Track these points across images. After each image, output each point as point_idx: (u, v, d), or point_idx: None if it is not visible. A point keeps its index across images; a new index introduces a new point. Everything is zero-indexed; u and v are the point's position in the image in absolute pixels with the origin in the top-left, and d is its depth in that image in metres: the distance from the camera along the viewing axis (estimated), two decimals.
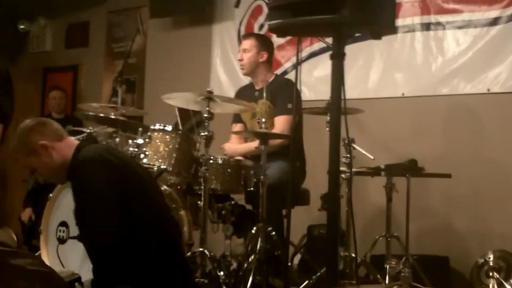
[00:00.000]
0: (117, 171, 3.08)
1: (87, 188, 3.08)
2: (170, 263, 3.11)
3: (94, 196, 3.03)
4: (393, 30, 3.31)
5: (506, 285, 5.37)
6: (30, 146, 3.30)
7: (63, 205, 4.98)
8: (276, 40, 6.67)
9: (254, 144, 5.30)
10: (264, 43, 5.65)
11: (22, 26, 9.60)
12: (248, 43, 5.60)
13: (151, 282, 3.00)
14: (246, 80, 6.42)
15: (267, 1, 5.05)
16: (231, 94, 6.75)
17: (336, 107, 3.28)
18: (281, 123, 5.31)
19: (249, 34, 6.42)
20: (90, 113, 5.63)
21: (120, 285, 2.98)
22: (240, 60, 5.62)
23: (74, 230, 4.65)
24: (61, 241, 4.72)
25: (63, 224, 4.88)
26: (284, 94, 5.29)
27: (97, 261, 3.09)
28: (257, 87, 5.57)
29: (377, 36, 3.31)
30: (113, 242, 2.96)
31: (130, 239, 2.96)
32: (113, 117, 5.40)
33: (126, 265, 2.97)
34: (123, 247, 2.95)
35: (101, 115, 5.48)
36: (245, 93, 5.63)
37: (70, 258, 4.67)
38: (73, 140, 3.36)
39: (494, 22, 5.75)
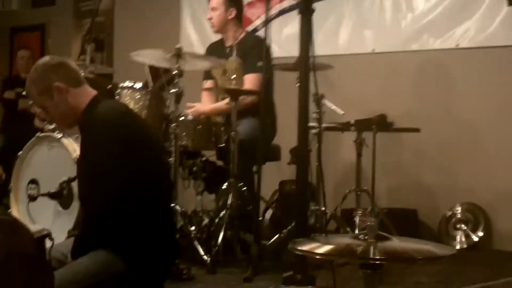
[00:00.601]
0: (130, 137, 3.03)
1: (97, 146, 3.02)
2: (157, 229, 3.10)
3: (102, 157, 2.97)
4: None
5: (473, 236, 5.47)
6: (46, 84, 3.23)
7: (33, 163, 4.97)
8: None
9: (223, 103, 5.29)
10: (232, 0, 5.62)
11: None
12: (215, 1, 5.56)
13: (134, 246, 3.00)
14: (216, 38, 6.39)
15: None
16: (201, 51, 6.71)
17: (304, 62, 3.30)
18: (251, 81, 5.29)
19: None
20: None
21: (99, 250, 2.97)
22: (210, 19, 5.59)
23: (45, 188, 4.66)
24: (32, 198, 4.72)
25: (33, 181, 4.87)
26: (254, 52, 5.27)
27: (88, 223, 3.07)
28: (227, 44, 5.55)
29: None
30: (109, 207, 2.94)
31: (126, 209, 2.95)
32: (82, 74, 5.35)
33: (114, 231, 2.96)
34: (117, 214, 2.94)
35: None
36: (216, 50, 5.60)
37: (41, 215, 4.68)
38: (90, 89, 3.28)
39: None
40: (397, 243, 2.17)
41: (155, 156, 3.21)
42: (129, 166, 2.93)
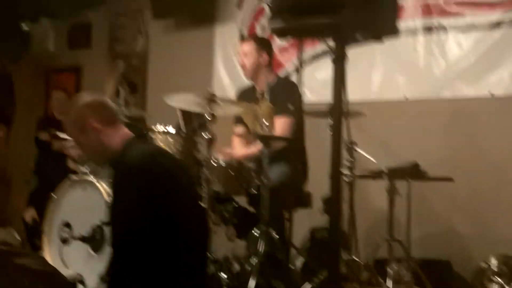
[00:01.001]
0: (159, 184, 3.04)
1: (126, 192, 3.04)
2: (188, 277, 3.09)
3: (130, 204, 2.99)
4: (395, 32, 3.30)
5: None
6: (82, 122, 3.28)
7: (66, 206, 5.00)
8: (279, 43, 6.69)
9: (255, 149, 5.29)
10: (264, 45, 5.64)
11: (25, 27, 9.60)
12: (247, 47, 5.59)
13: None
14: (248, 82, 6.41)
15: (268, 4, 5.05)
16: (233, 95, 6.76)
17: (338, 110, 3.28)
18: (281, 125, 5.29)
19: (247, 37, 6.41)
20: None
21: None
22: (242, 65, 5.61)
23: (77, 230, 4.67)
24: (64, 241, 4.73)
25: (66, 224, 4.89)
26: (284, 94, 5.28)
27: (118, 270, 3.06)
28: (259, 89, 5.56)
29: (378, 38, 3.30)
30: (135, 255, 2.94)
31: (153, 256, 2.95)
32: (118, 114, 5.39)
33: (144, 279, 2.95)
34: (145, 262, 2.93)
35: None
36: (247, 95, 5.61)
37: (72, 258, 4.68)
38: (125, 130, 3.32)
39: (497, 25, 5.75)
40: None
41: (188, 202, 3.20)
42: (158, 214, 2.93)
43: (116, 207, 3.07)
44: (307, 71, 6.30)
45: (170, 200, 3.03)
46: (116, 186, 3.20)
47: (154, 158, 3.18)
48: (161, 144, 4.84)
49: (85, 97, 3.39)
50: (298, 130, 5.14)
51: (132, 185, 3.00)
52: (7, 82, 1.32)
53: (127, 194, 3.00)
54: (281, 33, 3.34)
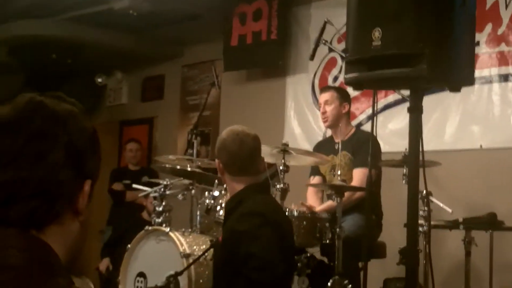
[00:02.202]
0: (276, 234, 3.12)
1: (243, 237, 3.12)
2: None
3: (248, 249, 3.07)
4: (471, 82, 3.28)
5: None
6: (216, 156, 3.45)
7: (141, 256, 5.05)
8: (350, 92, 6.69)
9: (333, 202, 5.28)
10: (344, 95, 5.67)
11: (99, 80, 9.83)
12: (329, 95, 5.61)
13: None
14: (320, 133, 6.42)
15: (343, 54, 5.07)
16: (305, 146, 6.77)
17: (414, 160, 3.26)
18: (359, 176, 5.27)
19: (328, 86, 6.41)
20: (166, 165, 5.72)
21: None
22: (324, 112, 5.61)
23: (152, 281, 4.71)
24: None
25: (141, 274, 4.94)
26: (366, 147, 5.26)
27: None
28: (336, 140, 5.56)
29: (455, 89, 3.29)
30: None
31: None
32: (189, 169, 5.46)
33: None
34: None
35: (177, 167, 5.56)
36: (325, 146, 5.62)
37: None
38: (248, 180, 3.40)
39: None
40: None
41: (287, 257, 3.24)
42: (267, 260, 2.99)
43: (237, 251, 3.15)
44: (379, 120, 6.29)
45: (282, 251, 3.11)
46: (231, 230, 3.28)
47: (271, 208, 3.25)
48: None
49: (235, 133, 3.47)
50: (375, 180, 5.12)
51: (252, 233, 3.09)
52: (93, 138, 1.36)
53: (248, 240, 3.08)
54: (356, 84, 3.35)
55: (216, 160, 3.40)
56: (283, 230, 3.31)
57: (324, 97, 5.65)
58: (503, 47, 6.04)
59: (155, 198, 5.42)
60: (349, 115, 5.70)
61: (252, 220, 3.14)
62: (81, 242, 1.55)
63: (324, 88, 6.16)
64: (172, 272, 4.38)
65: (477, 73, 5.81)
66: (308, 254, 5.10)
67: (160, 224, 5.17)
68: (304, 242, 5.01)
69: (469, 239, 5.09)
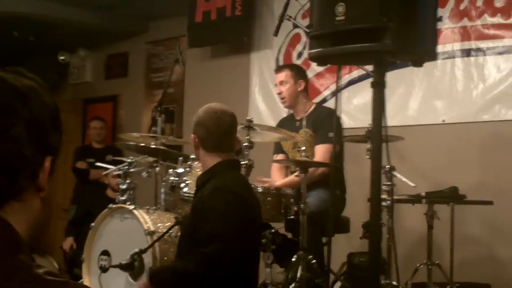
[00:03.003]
0: (238, 214, 3.12)
1: (214, 209, 3.12)
2: None
3: (216, 216, 3.07)
4: (434, 57, 3.30)
5: None
6: (193, 129, 3.41)
7: (105, 234, 5.02)
8: (315, 68, 6.71)
9: (294, 176, 5.30)
10: (299, 72, 5.67)
11: (62, 58, 9.74)
12: (283, 75, 5.61)
13: None
14: (284, 109, 6.42)
15: (307, 30, 5.07)
16: (270, 122, 6.78)
17: (378, 135, 3.27)
18: (321, 152, 5.30)
19: (282, 66, 6.41)
20: (131, 143, 5.69)
21: None
22: (279, 93, 5.62)
23: (116, 259, 4.69)
24: (103, 269, 4.76)
25: (105, 253, 4.92)
26: (326, 123, 5.28)
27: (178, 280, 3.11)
28: (297, 117, 5.58)
29: (418, 63, 3.30)
30: (200, 271, 3.00)
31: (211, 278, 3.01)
32: (153, 146, 5.44)
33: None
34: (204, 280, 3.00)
35: (142, 144, 5.53)
36: (286, 124, 5.63)
37: (112, 287, 4.70)
38: (222, 156, 3.40)
39: None
40: None
41: (253, 234, 3.24)
42: (230, 240, 2.98)
43: (198, 226, 3.15)
44: (344, 96, 6.32)
45: (243, 230, 3.10)
46: (198, 206, 3.28)
47: (237, 190, 3.23)
48: (199, 172, 4.85)
49: (215, 109, 3.46)
50: (337, 156, 5.14)
51: (219, 203, 3.09)
52: (54, 114, 1.33)
53: (210, 217, 3.09)
54: (320, 60, 3.35)
55: (192, 135, 3.40)
56: (252, 208, 3.32)
57: (278, 77, 5.65)
58: (466, 22, 6.08)
59: (119, 176, 5.39)
60: (307, 91, 5.70)
61: (222, 197, 3.14)
62: (44, 220, 1.53)
63: (278, 68, 6.17)
64: (136, 250, 4.37)
65: (440, 48, 5.83)
66: (273, 230, 5.12)
67: (124, 202, 5.14)
68: (269, 217, 5.02)
69: (431, 213, 5.15)
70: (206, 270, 3.03)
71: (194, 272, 3.06)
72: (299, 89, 5.57)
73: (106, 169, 5.96)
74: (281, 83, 5.59)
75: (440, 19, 5.93)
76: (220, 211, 3.09)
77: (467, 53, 6.08)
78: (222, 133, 3.43)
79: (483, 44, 6.00)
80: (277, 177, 5.56)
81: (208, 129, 3.39)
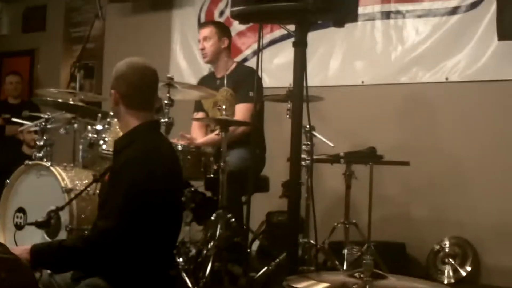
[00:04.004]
0: (149, 181, 3.04)
1: (120, 179, 3.05)
2: (155, 264, 3.09)
3: (122, 191, 3.00)
4: (355, 18, 3.32)
5: (461, 271, 5.45)
6: (113, 84, 3.28)
7: (20, 192, 4.94)
8: (237, 27, 6.67)
9: (214, 134, 5.29)
10: (224, 30, 5.65)
11: None
12: (208, 31, 5.58)
13: (128, 278, 2.98)
14: (205, 67, 6.39)
15: None
16: (191, 80, 6.74)
17: (298, 95, 3.28)
18: (242, 111, 5.30)
19: (207, 22, 6.38)
20: (48, 99, 5.57)
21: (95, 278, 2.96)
22: (202, 49, 5.58)
23: (32, 216, 4.62)
24: (19, 227, 4.69)
25: (21, 210, 4.84)
26: (247, 82, 5.27)
27: (89, 245, 3.04)
28: (218, 76, 5.56)
29: (339, 24, 3.30)
30: (112, 232, 2.94)
31: (128, 237, 2.95)
32: (71, 102, 5.35)
33: (112, 258, 2.95)
34: (119, 240, 2.93)
35: (59, 100, 5.42)
36: (207, 82, 5.60)
37: (28, 244, 4.62)
38: (142, 116, 3.29)
39: (453, 11, 5.80)
40: (393, 282, 2.14)
41: (171, 198, 3.20)
42: (128, 217, 2.94)
43: (112, 188, 3.09)
44: (265, 56, 6.30)
45: (157, 195, 3.05)
46: (114, 170, 3.21)
47: (149, 157, 3.16)
48: (118, 129, 4.79)
49: (136, 64, 3.33)
50: (257, 115, 5.15)
51: (126, 176, 3.01)
52: None
53: (122, 181, 3.01)
54: (242, 18, 3.33)
55: (112, 91, 3.29)
56: (167, 175, 3.28)
57: (203, 33, 5.61)
58: None
59: (36, 132, 5.28)
60: (230, 50, 5.69)
61: (130, 170, 3.09)
62: None
63: (203, 23, 6.14)
64: (53, 207, 4.30)
65: (361, 10, 5.89)
66: (192, 188, 5.11)
67: (41, 158, 5.05)
68: (189, 176, 5.01)
69: (349, 173, 5.22)
70: (95, 247, 2.98)
71: (83, 249, 2.99)
72: (222, 47, 5.55)
73: (22, 125, 5.84)
74: (205, 38, 5.56)
75: None
76: (125, 185, 3.04)
77: (386, 15, 6.15)
78: (146, 89, 3.33)
79: (402, 7, 6.07)
80: (198, 136, 5.54)
81: (131, 84, 3.27)
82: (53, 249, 3.02)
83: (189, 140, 5.15)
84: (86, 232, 3.81)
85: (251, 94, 5.18)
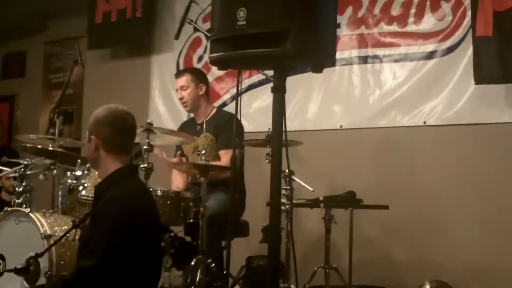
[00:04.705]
0: (130, 228, 3.06)
1: (105, 220, 3.06)
2: None
3: (105, 227, 3.01)
4: (333, 63, 3.34)
5: None
6: (91, 130, 3.31)
7: None
8: (215, 72, 6.72)
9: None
10: (200, 76, 5.69)
11: None
12: (184, 80, 5.61)
13: None
14: (185, 112, 6.41)
15: (208, 34, 5.06)
16: (170, 125, 6.76)
17: (277, 140, 3.29)
18: (227, 157, 5.31)
19: (182, 70, 6.40)
20: (28, 145, 5.56)
21: None
22: (181, 98, 5.60)
23: (11, 263, 4.58)
24: None
25: (0, 256, 4.80)
26: (228, 128, 5.29)
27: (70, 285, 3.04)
28: (198, 121, 5.58)
29: (318, 69, 3.34)
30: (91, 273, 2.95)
31: (109, 281, 2.96)
32: (51, 148, 5.34)
33: None
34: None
35: (39, 146, 5.42)
36: (188, 128, 5.62)
37: None
38: (122, 160, 3.31)
39: (430, 55, 5.86)
40: None
41: (152, 239, 3.21)
42: (124, 240, 2.96)
43: (92, 235, 3.10)
44: (243, 100, 6.34)
45: (137, 243, 3.07)
46: (95, 216, 3.23)
47: (129, 204, 3.18)
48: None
49: (117, 108, 3.36)
50: (239, 160, 5.17)
51: (111, 214, 3.03)
52: None
53: (104, 229, 3.03)
54: (221, 64, 3.35)
55: (92, 137, 3.32)
56: (147, 216, 3.28)
57: (179, 82, 5.64)
58: (363, 29, 6.21)
59: (15, 178, 5.27)
60: (208, 95, 5.73)
61: (113, 208, 3.11)
62: None
63: (178, 72, 6.17)
64: (32, 254, 4.28)
65: (339, 55, 5.90)
66: (172, 234, 5.10)
67: (20, 205, 5.03)
68: (168, 220, 5.00)
69: (329, 217, 5.22)
70: (81, 283, 2.99)
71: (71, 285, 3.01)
72: (201, 93, 5.59)
73: (1, 171, 5.82)
74: (182, 88, 5.59)
75: (338, 26, 6.05)
76: (109, 221, 3.05)
77: (364, 60, 6.21)
78: (127, 134, 3.38)
79: (379, 51, 6.14)
80: (178, 181, 5.55)
81: (113, 129, 3.31)
82: None
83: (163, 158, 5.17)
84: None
85: (231, 139, 5.21)
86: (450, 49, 5.79)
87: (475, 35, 5.41)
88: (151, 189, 4.80)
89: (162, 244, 5.03)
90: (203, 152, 4.91)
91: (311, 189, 5.17)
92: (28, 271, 4.27)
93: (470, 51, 5.55)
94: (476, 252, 5.56)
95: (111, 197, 3.15)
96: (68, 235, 4.40)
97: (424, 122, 5.88)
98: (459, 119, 5.72)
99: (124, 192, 3.18)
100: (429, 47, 5.88)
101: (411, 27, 5.98)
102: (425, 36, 5.91)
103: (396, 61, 6.04)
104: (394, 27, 6.06)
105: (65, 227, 4.73)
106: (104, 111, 3.36)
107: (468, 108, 5.67)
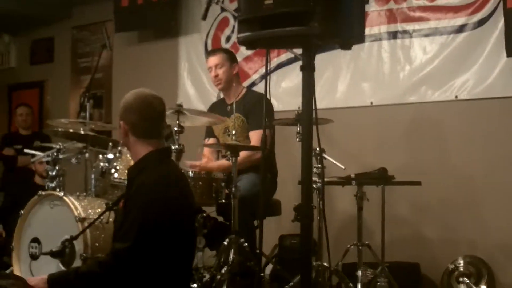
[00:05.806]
0: (163, 210, 3.10)
1: (134, 208, 3.09)
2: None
3: (137, 214, 3.04)
4: (361, 40, 3.32)
5: None
6: (122, 116, 3.35)
7: (34, 222, 4.96)
8: (243, 52, 6.71)
9: (225, 162, 5.29)
10: (233, 56, 5.67)
11: None
12: (219, 58, 5.57)
13: None
14: (214, 93, 6.42)
15: (235, 14, 5.05)
16: (199, 107, 6.77)
17: (308, 118, 3.29)
18: (257, 138, 5.28)
19: (216, 49, 6.37)
20: (59, 129, 5.61)
21: None
22: (216, 76, 5.57)
23: (47, 246, 4.64)
24: (34, 257, 4.71)
25: (35, 240, 4.86)
26: (258, 109, 5.27)
27: (105, 268, 3.08)
28: (228, 102, 5.55)
29: (346, 46, 3.32)
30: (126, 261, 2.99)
31: (143, 263, 2.99)
32: (82, 132, 5.38)
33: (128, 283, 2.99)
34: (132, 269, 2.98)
35: (70, 130, 5.46)
36: (217, 109, 5.60)
37: (43, 274, 4.64)
38: (153, 144, 3.34)
39: (460, 29, 5.81)
40: None
41: (184, 222, 3.23)
42: (157, 225, 2.98)
43: (126, 216, 3.13)
44: (272, 80, 6.32)
45: (170, 225, 3.09)
46: (128, 199, 3.26)
47: (166, 180, 3.22)
48: (130, 158, 4.81)
49: (142, 94, 3.39)
50: (267, 140, 5.16)
51: (140, 206, 3.07)
52: None
53: (136, 210, 3.06)
54: (249, 44, 3.34)
55: (121, 122, 3.35)
56: (179, 199, 3.31)
57: (213, 60, 5.60)
58: (392, 4, 6.16)
59: (48, 162, 5.31)
60: (239, 76, 5.71)
61: (144, 195, 3.13)
62: None
63: (212, 51, 6.13)
64: (67, 237, 4.33)
65: (367, 31, 5.91)
66: (204, 214, 5.12)
67: (54, 188, 5.08)
68: (200, 202, 5.02)
69: (361, 194, 5.19)
70: (111, 269, 3.01)
71: (100, 273, 3.02)
72: (234, 73, 5.57)
73: (34, 155, 5.87)
74: (217, 66, 5.55)
75: (367, 1, 6.01)
76: (140, 208, 3.07)
77: (393, 35, 6.17)
78: (155, 118, 3.39)
79: (409, 26, 6.08)
80: (209, 162, 5.56)
81: (140, 114, 3.33)
82: (69, 277, 3.05)
83: (199, 167, 5.16)
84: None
85: (262, 119, 5.20)
86: (481, 22, 5.73)
87: (506, 6, 5.34)
88: (182, 171, 4.83)
89: (195, 224, 5.07)
90: (233, 132, 4.92)
91: (343, 167, 5.15)
92: (63, 254, 4.32)
93: (501, 23, 5.50)
94: (509, 229, 5.53)
95: (140, 184, 3.17)
96: (102, 217, 4.44)
97: (456, 97, 5.83)
98: (491, 92, 5.67)
99: (156, 178, 3.20)
100: (459, 20, 5.82)
101: (441, 1, 5.92)
102: (455, 9, 5.85)
103: (426, 35, 5.99)
104: (423, 1, 6.01)
105: (99, 210, 4.76)
106: (131, 96, 3.38)
107: (500, 81, 5.62)
